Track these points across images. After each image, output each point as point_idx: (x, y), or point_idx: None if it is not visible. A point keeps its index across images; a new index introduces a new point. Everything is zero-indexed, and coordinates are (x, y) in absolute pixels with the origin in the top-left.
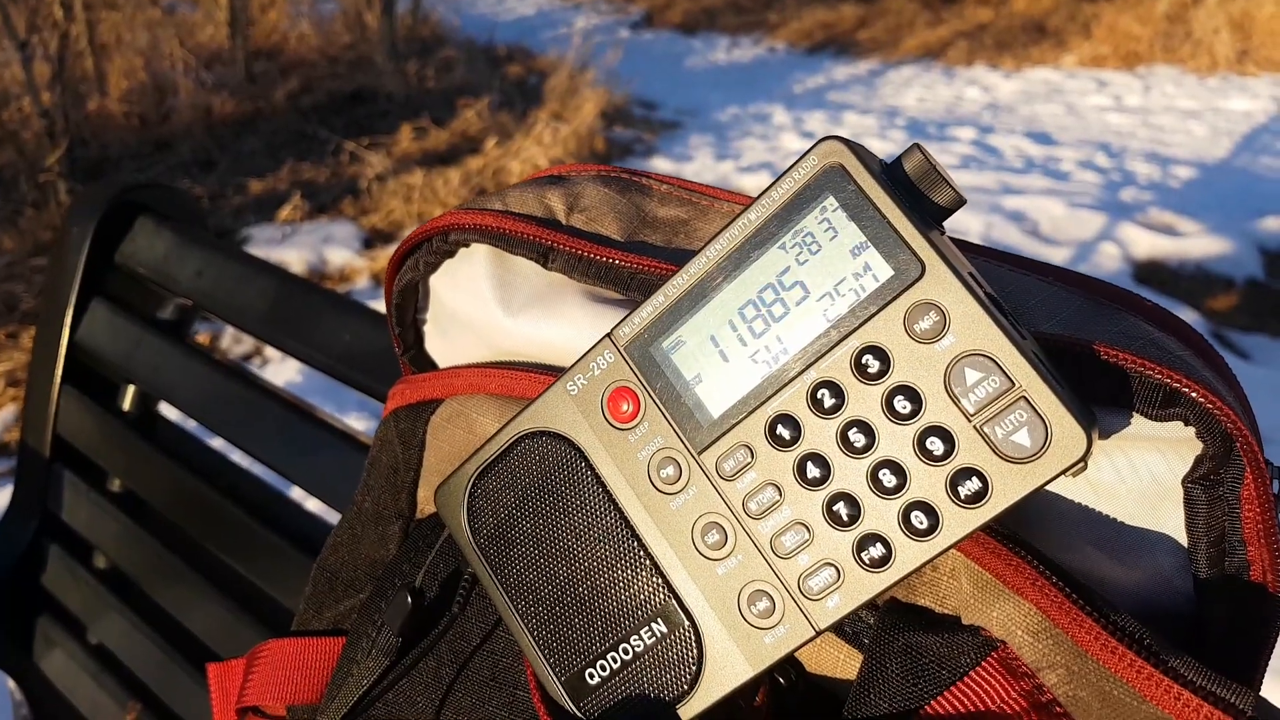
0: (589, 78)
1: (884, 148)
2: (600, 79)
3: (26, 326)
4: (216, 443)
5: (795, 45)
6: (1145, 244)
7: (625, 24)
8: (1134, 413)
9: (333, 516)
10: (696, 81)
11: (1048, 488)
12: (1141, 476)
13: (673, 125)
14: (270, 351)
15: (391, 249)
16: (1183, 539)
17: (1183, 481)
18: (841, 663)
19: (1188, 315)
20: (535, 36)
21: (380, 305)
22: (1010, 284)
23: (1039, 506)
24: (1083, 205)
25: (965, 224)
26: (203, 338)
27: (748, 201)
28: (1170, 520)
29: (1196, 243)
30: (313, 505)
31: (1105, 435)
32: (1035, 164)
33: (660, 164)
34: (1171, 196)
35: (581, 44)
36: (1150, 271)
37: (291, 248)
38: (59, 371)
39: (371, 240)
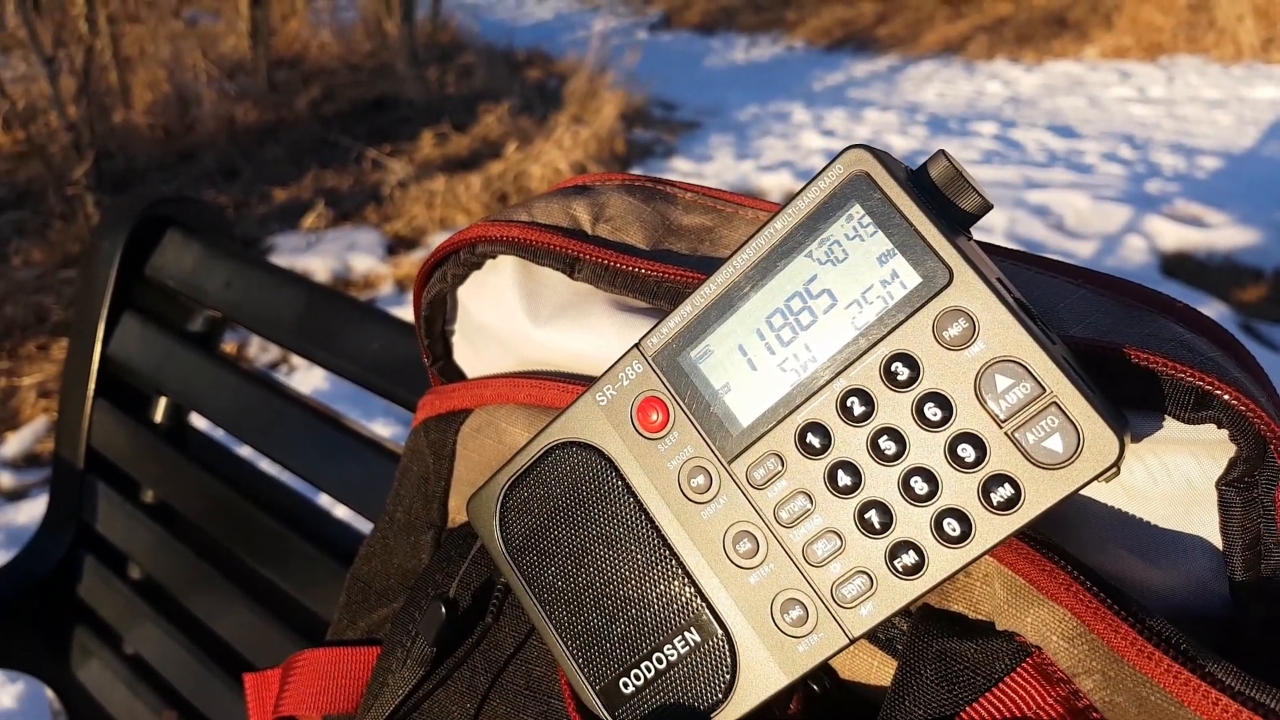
0: (608, 80)
1: (905, 144)
2: (619, 81)
3: (57, 338)
4: (247, 452)
5: (814, 43)
6: (1172, 236)
7: (643, 25)
8: (1166, 415)
9: (362, 523)
10: (715, 81)
11: (1080, 492)
12: (1174, 479)
13: (692, 125)
14: (295, 361)
15: (415, 255)
16: (1217, 542)
17: (1216, 484)
18: (875, 669)
19: (1215, 307)
20: (554, 40)
21: (406, 312)
22: (1039, 287)
23: (1071, 510)
24: (1108, 198)
25: (989, 219)
26: (229, 346)
27: (772, 208)
28: (1204, 523)
29: (1224, 234)
30: (341, 512)
31: (1137, 438)
32: (1058, 157)
33: (680, 164)
34: (1198, 187)
35: (600, 46)
36: (1178, 263)
37: (316, 255)
38: (92, 385)
39: (395, 246)
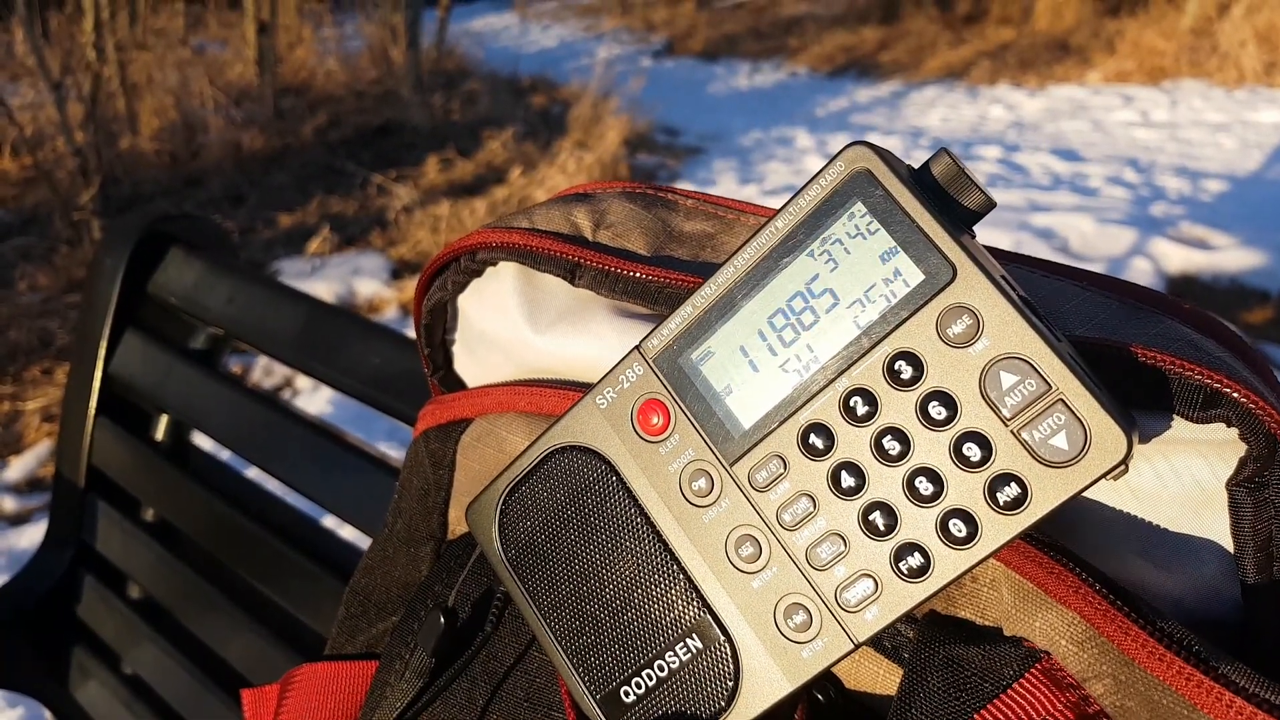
0: (612, 106)
1: None
2: (623, 107)
3: (61, 363)
4: (248, 471)
5: (817, 69)
6: (1177, 258)
7: (647, 52)
8: (1174, 415)
9: (365, 542)
10: (719, 107)
11: (1086, 494)
12: (1183, 480)
13: (696, 150)
14: (299, 384)
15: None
16: (1228, 544)
17: (1226, 485)
18: (881, 678)
19: None
20: (558, 67)
21: (408, 332)
22: (1042, 289)
23: (1078, 514)
24: (1112, 221)
25: (993, 242)
26: (234, 369)
27: (773, 214)
28: (1214, 525)
29: (1229, 256)
30: (346, 532)
31: (1145, 439)
32: (1063, 181)
33: (684, 189)
34: (1203, 210)
35: (604, 73)
36: (1183, 286)
37: (321, 280)
38: (93, 402)
39: (399, 271)
